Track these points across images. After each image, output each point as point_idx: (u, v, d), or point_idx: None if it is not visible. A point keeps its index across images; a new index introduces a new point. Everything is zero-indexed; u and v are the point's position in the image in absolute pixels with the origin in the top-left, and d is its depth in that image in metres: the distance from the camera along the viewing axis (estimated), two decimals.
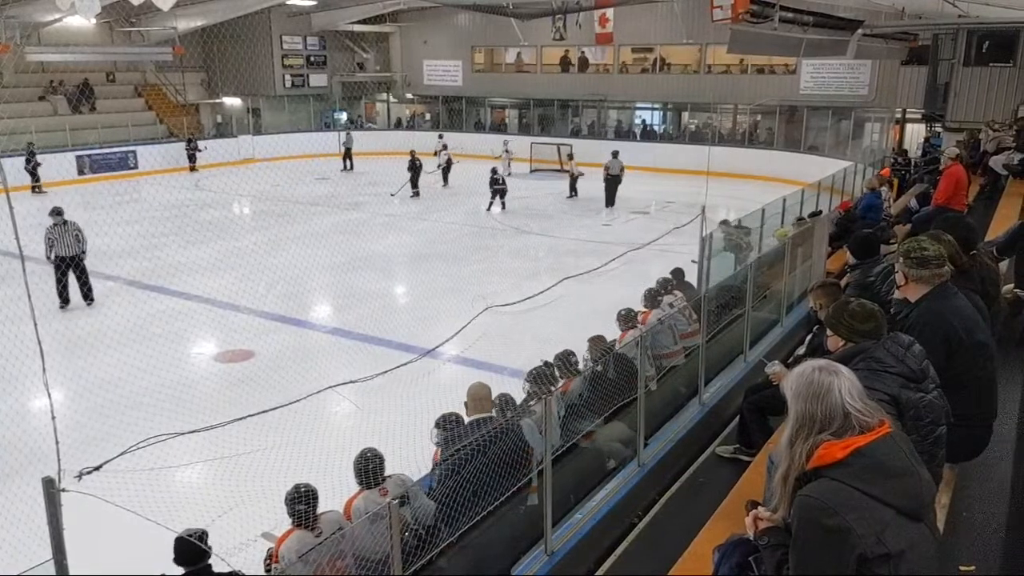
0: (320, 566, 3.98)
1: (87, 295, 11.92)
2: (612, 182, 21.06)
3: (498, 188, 20.35)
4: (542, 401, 4.70)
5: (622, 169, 21.10)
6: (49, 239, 11.65)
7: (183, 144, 27.01)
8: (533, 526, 4.69)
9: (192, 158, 26.84)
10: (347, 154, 27.75)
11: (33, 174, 21.60)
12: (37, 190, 21.52)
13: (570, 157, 22.60)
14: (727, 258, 8.98)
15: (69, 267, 11.70)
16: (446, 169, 23.91)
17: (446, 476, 4.51)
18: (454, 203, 21.41)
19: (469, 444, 4.45)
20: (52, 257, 11.65)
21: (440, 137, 25.92)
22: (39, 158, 21.91)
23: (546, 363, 5.97)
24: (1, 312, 7.01)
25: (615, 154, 21.35)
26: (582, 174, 21.87)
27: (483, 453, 4.41)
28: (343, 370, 9.36)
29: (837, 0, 21.09)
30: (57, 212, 11.83)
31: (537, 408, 4.96)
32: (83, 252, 11.89)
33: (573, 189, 22.16)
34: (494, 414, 5.25)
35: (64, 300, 11.73)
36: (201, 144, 27.21)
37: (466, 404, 5.21)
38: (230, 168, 26.48)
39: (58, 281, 11.53)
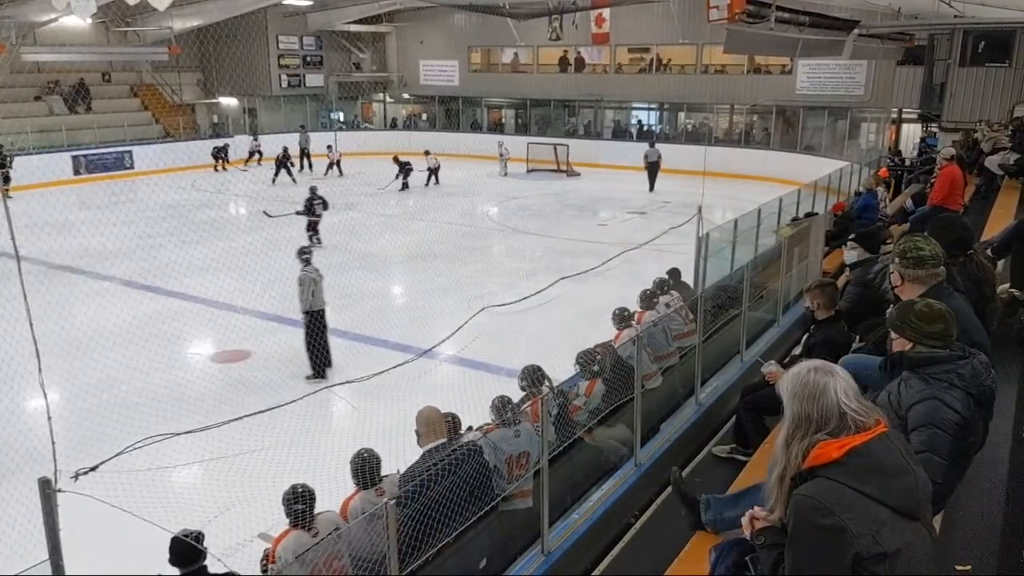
0: (316, 566, 3.98)
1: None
2: (652, 168, 23.60)
3: (407, 169, 22.93)
4: (538, 401, 4.70)
5: (660, 156, 23.65)
6: (311, 283, 9.25)
7: (182, 143, 26.93)
8: (530, 526, 4.69)
9: (223, 156, 27.08)
10: (303, 154, 27.22)
11: (6, 177, 21.03)
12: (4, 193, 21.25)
13: (427, 153, 24.48)
14: (724, 258, 8.99)
15: (323, 323, 9.23)
16: (338, 163, 26.35)
17: (403, 504, 4.23)
18: (450, 203, 21.43)
19: (427, 474, 4.27)
20: (313, 307, 9.25)
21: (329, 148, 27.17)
22: (15, 160, 21.69)
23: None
24: None
25: (652, 143, 24.52)
26: (439, 166, 24.26)
27: (441, 482, 4.21)
28: (340, 370, 9.37)
29: (833, 0, 21.13)
30: (303, 251, 9.63)
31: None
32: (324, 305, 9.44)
33: (431, 178, 24.22)
34: (490, 420, 5.21)
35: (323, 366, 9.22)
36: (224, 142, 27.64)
37: (418, 432, 4.85)
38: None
39: (317, 338, 9.10)
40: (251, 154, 27.59)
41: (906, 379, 3.03)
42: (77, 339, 10.08)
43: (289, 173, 24.49)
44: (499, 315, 8.38)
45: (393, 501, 3.64)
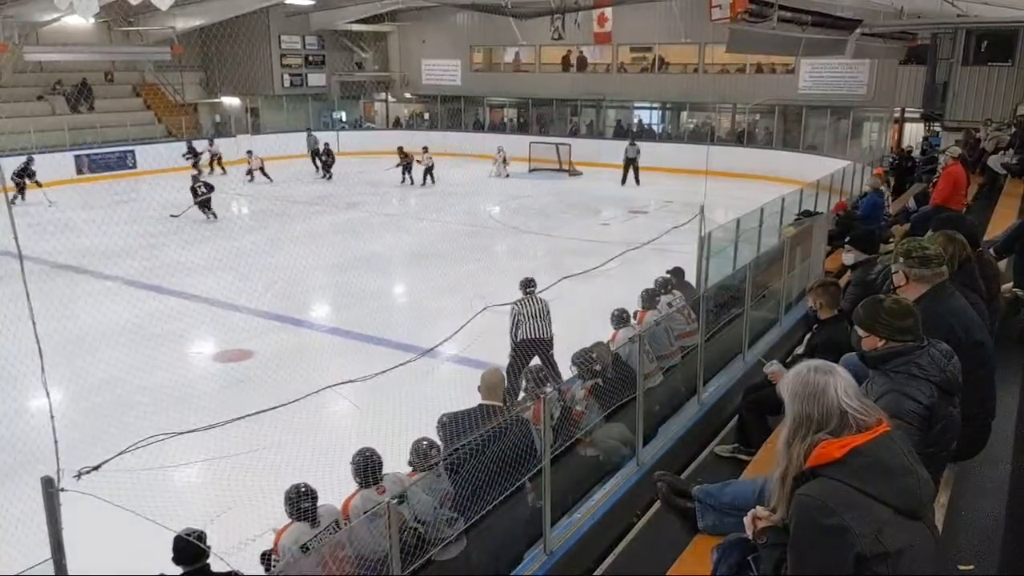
0: (323, 557, 3.99)
1: None
2: (628, 164, 24.04)
3: (407, 164, 23.89)
4: (539, 401, 4.70)
5: (638, 153, 24.15)
6: (515, 316, 8.68)
7: (183, 144, 26.86)
8: (532, 525, 4.69)
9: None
10: (316, 156, 26.48)
11: (25, 181, 20.09)
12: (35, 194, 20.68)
13: (424, 150, 24.58)
14: (726, 257, 8.99)
15: (533, 353, 8.54)
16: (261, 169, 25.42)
17: (459, 464, 4.47)
18: (452, 203, 21.41)
19: (481, 435, 4.45)
20: (516, 338, 8.70)
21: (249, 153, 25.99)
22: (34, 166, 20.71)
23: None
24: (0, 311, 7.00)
25: (632, 141, 25.05)
26: (432, 164, 24.21)
27: (495, 442, 4.46)
28: (342, 369, 9.35)
29: None
30: (527, 283, 8.92)
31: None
32: (552, 337, 8.66)
33: (427, 177, 24.17)
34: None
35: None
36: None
37: (479, 389, 5.25)
38: (228, 167, 26.56)
39: (515, 368, 8.31)
40: (212, 157, 26.00)
41: (872, 378, 3.03)
42: (80, 338, 10.10)
43: (317, 168, 25.79)
44: (501, 314, 8.37)
45: (395, 500, 3.65)
